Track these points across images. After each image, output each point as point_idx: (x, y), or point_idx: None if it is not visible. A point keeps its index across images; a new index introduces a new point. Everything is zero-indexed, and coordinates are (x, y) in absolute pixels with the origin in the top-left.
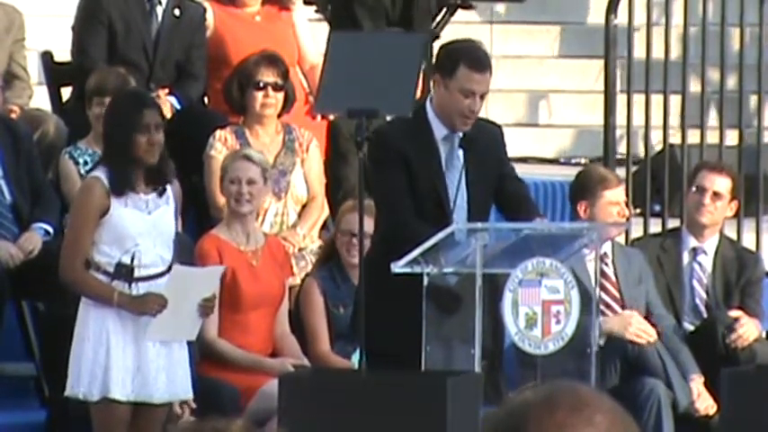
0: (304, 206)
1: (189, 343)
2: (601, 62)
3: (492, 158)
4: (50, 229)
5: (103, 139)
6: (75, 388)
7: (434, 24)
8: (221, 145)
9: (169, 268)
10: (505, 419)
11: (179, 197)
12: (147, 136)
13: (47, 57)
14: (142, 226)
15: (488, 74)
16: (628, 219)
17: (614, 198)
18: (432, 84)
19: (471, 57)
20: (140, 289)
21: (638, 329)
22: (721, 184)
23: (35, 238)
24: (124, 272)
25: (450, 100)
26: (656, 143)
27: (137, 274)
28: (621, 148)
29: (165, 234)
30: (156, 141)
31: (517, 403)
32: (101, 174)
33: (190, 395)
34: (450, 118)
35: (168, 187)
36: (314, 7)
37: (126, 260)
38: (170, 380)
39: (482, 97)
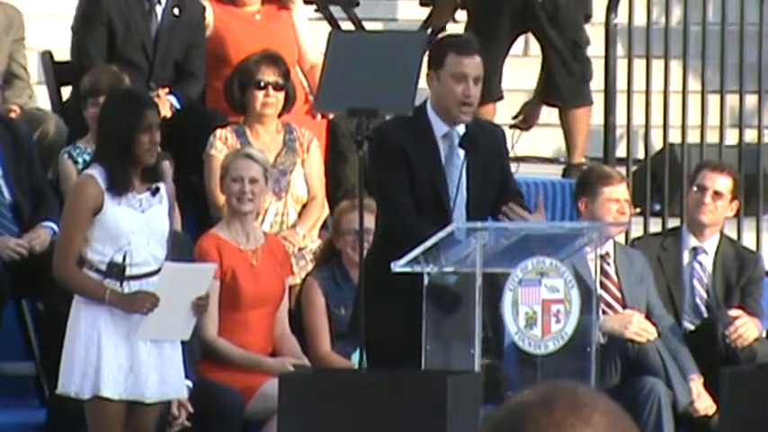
0: (304, 206)
1: (187, 342)
2: (601, 61)
3: (493, 158)
4: (57, 228)
5: (98, 138)
6: (67, 386)
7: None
8: (222, 144)
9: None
10: (504, 419)
11: (173, 196)
12: (149, 136)
13: (47, 56)
14: (135, 224)
15: (477, 57)
16: (629, 217)
17: (613, 195)
18: (426, 82)
19: (457, 43)
20: (132, 287)
21: (639, 328)
22: (722, 183)
23: (44, 233)
24: (116, 270)
25: (444, 90)
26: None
27: (128, 272)
28: (622, 148)
29: (158, 233)
30: (156, 141)
31: (516, 403)
32: (95, 172)
33: (183, 395)
34: (448, 109)
35: (162, 186)
36: (314, 6)
37: (118, 258)
38: (162, 379)
39: (476, 82)
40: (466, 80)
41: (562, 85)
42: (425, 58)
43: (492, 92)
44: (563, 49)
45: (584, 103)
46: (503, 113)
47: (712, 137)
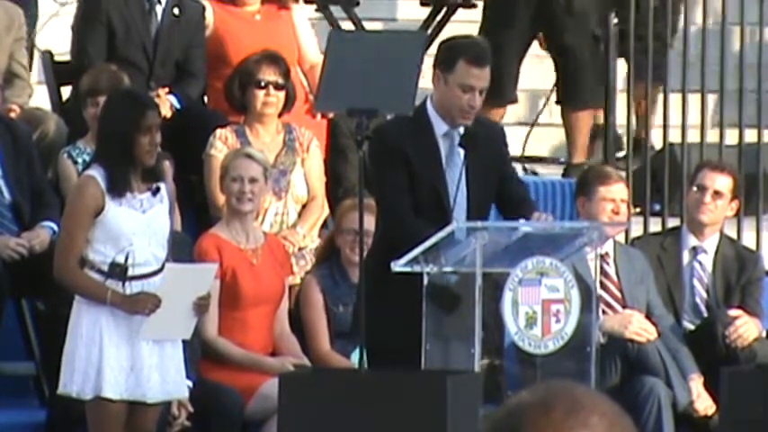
0: (304, 206)
1: (187, 342)
2: None
3: (493, 156)
4: (56, 228)
5: (99, 139)
6: (68, 386)
7: (434, 23)
8: (222, 144)
9: (163, 267)
10: (503, 420)
11: (173, 196)
12: (149, 137)
13: (47, 56)
14: (136, 225)
15: (487, 69)
16: (628, 218)
17: (609, 194)
18: (432, 80)
19: (470, 51)
20: (134, 288)
21: (639, 328)
22: (722, 182)
23: (43, 233)
24: (117, 271)
25: (449, 95)
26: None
27: (130, 273)
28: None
29: (159, 233)
30: (156, 143)
31: (514, 404)
32: (95, 172)
33: (184, 395)
34: (450, 113)
35: (162, 186)
36: (314, 6)
37: (120, 259)
38: (163, 379)
39: (481, 92)
40: (473, 91)
41: (582, 86)
42: (433, 56)
43: (505, 95)
44: (581, 47)
45: (600, 105)
46: (513, 115)
47: (712, 136)
